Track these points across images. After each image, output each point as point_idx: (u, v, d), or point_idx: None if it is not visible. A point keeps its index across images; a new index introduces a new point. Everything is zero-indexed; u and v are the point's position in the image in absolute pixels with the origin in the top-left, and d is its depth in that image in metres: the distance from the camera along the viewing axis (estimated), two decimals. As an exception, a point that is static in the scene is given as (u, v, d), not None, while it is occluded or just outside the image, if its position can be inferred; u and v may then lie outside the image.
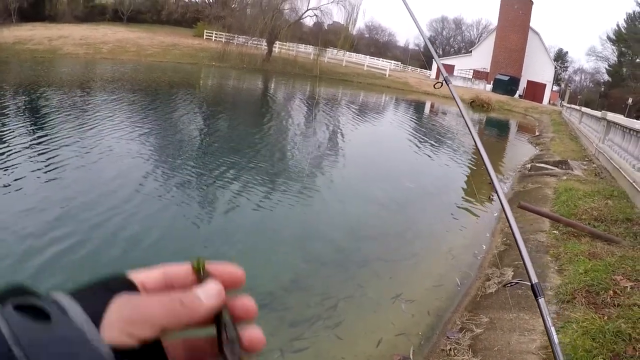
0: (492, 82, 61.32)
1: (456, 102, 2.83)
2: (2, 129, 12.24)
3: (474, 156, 17.03)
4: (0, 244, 6.08)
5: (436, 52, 3.09)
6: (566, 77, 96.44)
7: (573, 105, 36.96)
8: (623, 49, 78.60)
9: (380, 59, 68.34)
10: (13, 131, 12.04)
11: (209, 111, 20.93)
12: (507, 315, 4.99)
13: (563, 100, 60.62)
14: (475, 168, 14.92)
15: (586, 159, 15.68)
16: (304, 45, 55.07)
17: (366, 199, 10.17)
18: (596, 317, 4.47)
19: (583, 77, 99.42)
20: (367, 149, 16.47)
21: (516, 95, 59.35)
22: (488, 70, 66.57)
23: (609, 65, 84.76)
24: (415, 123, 27.33)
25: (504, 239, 7.97)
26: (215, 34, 56.03)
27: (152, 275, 0.54)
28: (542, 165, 13.97)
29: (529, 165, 14.71)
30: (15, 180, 8.41)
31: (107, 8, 64.97)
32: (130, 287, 0.51)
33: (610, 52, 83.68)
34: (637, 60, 72.63)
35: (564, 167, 13.30)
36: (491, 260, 7.13)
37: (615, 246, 6.53)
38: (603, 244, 6.60)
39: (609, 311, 4.64)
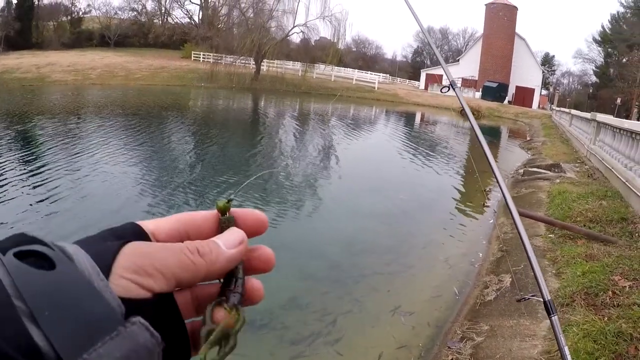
0: (480, 89, 61.67)
1: (462, 104, 2.82)
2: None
3: (465, 163, 17.05)
4: None
5: (429, 57, 3.06)
6: (554, 80, 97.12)
7: (562, 109, 37.12)
8: (609, 49, 79.41)
9: (369, 72, 68.62)
10: (9, 162, 12.03)
11: (200, 133, 20.89)
12: (507, 322, 4.96)
13: (552, 103, 60.90)
14: (467, 175, 14.94)
15: (578, 161, 15.71)
16: (291, 62, 55.38)
17: (360, 214, 10.14)
18: (596, 319, 4.44)
19: (571, 80, 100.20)
20: (359, 163, 16.47)
21: (505, 102, 59.78)
22: (476, 78, 67.01)
23: (596, 67, 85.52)
24: (406, 134, 27.41)
25: (500, 245, 7.93)
26: (203, 54, 56.40)
27: (165, 224, 0.51)
28: (535, 169, 13.98)
29: (521, 170, 14.72)
30: (15, 212, 8.38)
31: (94, 33, 65.36)
32: (141, 236, 0.48)
33: (597, 54, 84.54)
34: (624, 60, 73.16)
35: (556, 170, 13.31)
36: (488, 267, 7.10)
37: (612, 246, 6.52)
38: (599, 245, 6.59)
39: (609, 312, 4.61)
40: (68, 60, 47.39)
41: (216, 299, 0.47)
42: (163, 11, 71.38)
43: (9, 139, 15.65)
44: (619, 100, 56.81)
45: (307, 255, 7.69)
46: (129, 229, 0.48)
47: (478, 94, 60.83)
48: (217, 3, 65.26)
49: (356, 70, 66.98)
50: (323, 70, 59.15)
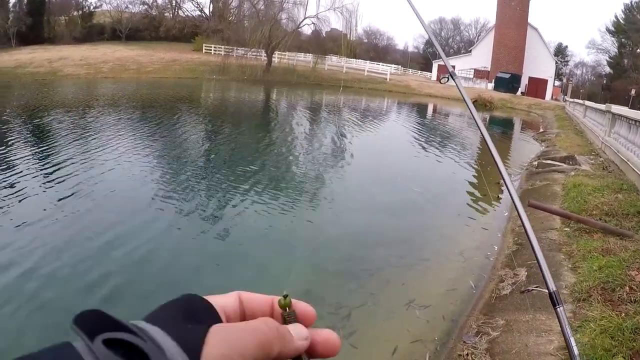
0: (493, 80, 61.26)
1: (462, 96, 2.79)
2: (22, 155, 12.45)
3: (479, 156, 16.97)
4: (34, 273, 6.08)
5: (441, 47, 3.04)
6: (567, 71, 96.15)
7: (576, 100, 36.77)
8: (623, 40, 78.47)
9: (380, 63, 68.24)
10: (31, 155, 12.31)
11: (213, 125, 21.05)
12: (523, 316, 4.93)
13: (565, 95, 60.35)
14: (481, 168, 14.83)
15: (593, 153, 15.59)
16: (303, 54, 55.27)
17: (373, 206, 10.12)
18: (613, 315, 4.41)
19: (584, 71, 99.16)
20: (372, 155, 16.44)
21: (518, 93, 59.29)
22: (489, 69, 66.49)
23: (610, 57, 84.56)
24: (419, 126, 27.30)
25: (516, 238, 7.90)
26: (214, 47, 56.30)
27: (230, 301, 0.52)
28: (549, 161, 13.87)
29: (535, 163, 14.62)
30: (34, 205, 8.45)
31: (105, 27, 65.45)
32: (211, 311, 0.49)
33: (610, 44, 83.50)
34: (638, 50, 72.48)
35: (571, 162, 13.21)
36: (504, 261, 7.06)
37: (628, 241, 6.46)
38: (616, 239, 6.53)
39: (626, 308, 4.57)
40: (80, 54, 47.63)
41: None
42: (174, 4, 71.42)
43: (34, 131, 16.08)
44: (633, 92, 56.23)
45: (320, 248, 7.69)
46: (199, 305, 0.49)
47: (490, 85, 60.45)
48: (227, -5, 65.19)
49: (368, 61, 66.67)
50: (335, 62, 59.02)
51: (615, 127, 14.45)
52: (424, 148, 18.80)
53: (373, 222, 9.15)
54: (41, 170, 10.89)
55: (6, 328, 4.94)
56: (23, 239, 7.03)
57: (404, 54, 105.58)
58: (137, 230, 7.74)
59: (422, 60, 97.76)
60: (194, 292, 0.52)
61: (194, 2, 71.16)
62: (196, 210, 8.90)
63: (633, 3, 74.82)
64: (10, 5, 56.12)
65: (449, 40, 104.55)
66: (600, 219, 7.46)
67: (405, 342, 5.09)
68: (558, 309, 2.00)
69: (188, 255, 7.11)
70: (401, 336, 5.20)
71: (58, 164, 11.33)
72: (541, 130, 28.60)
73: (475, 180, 13.33)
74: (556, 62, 74.15)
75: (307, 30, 57.55)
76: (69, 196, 9.11)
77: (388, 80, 56.98)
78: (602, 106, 17.38)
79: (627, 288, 4.91)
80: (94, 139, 14.79)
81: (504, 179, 2.39)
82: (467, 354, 4.57)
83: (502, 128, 32.15)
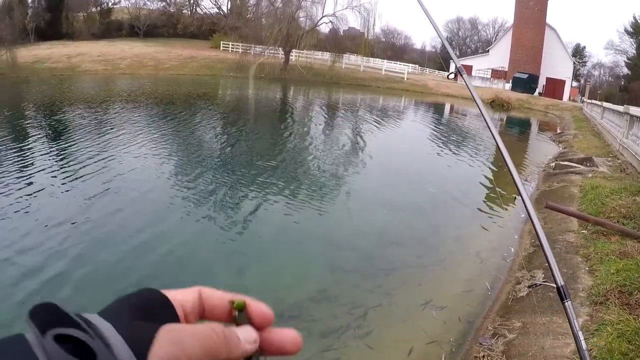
0: (510, 80, 60.86)
1: (472, 95, 2.80)
2: (50, 148, 12.75)
3: (496, 156, 16.89)
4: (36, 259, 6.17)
5: (453, 50, 3.04)
6: (585, 72, 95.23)
7: (594, 101, 36.41)
8: (641, 41, 77.51)
9: (398, 62, 67.92)
10: (57, 150, 12.57)
11: (233, 122, 21.16)
12: (539, 319, 4.92)
13: (583, 96, 59.78)
14: (498, 169, 14.78)
15: (610, 155, 15.46)
16: (320, 52, 55.22)
17: (389, 206, 10.10)
18: (631, 319, 4.39)
19: (602, 72, 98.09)
20: (388, 155, 16.40)
21: (536, 93, 58.80)
22: (506, 69, 66.05)
23: (628, 58, 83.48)
24: (435, 126, 27.24)
25: (532, 240, 7.86)
26: (232, 44, 56.42)
27: (190, 298, 0.53)
28: (567, 163, 13.79)
29: (553, 164, 14.53)
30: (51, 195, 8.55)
31: (124, 24, 65.89)
32: (168, 307, 0.50)
33: (629, 45, 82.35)
34: (656, 52, 71.62)
35: (588, 164, 13.13)
36: (520, 262, 7.03)
37: (646, 244, 6.42)
38: (634, 242, 6.49)
39: (644, 312, 4.55)
40: (98, 50, 47.94)
41: None
42: (192, 1, 71.59)
43: (62, 126, 16.51)
44: (651, 93, 55.64)
45: (336, 247, 7.70)
46: (157, 301, 0.50)
47: (508, 85, 60.02)
48: (245, -7, 65.28)
49: (385, 60, 66.43)
50: (352, 61, 58.93)
51: (634, 128, 14.32)
52: (440, 147, 18.76)
53: (389, 222, 9.14)
54: (73, 164, 11.14)
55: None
56: (53, 239, 7.13)
57: (421, 53, 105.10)
58: (159, 226, 7.81)
59: (440, 59, 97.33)
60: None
61: (211, 0, 71.35)
62: (211, 209, 8.95)
63: (652, 4, 73.93)
64: (30, 1, 56.61)
65: (466, 40, 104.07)
66: (617, 222, 7.42)
67: (421, 343, 5.10)
68: (566, 303, 2.01)
69: (203, 254, 7.14)
70: (417, 337, 5.21)
71: (83, 161, 11.51)
72: (558, 131, 28.42)
73: (491, 181, 13.28)
74: (574, 63, 73.38)
75: (324, 28, 57.46)
76: (99, 194, 9.24)
77: (405, 79, 56.71)
78: (620, 107, 17.22)
79: (645, 292, 4.89)
80: (120, 135, 14.98)
81: (512, 176, 2.40)
82: (483, 356, 4.57)
83: (519, 128, 31.97)
